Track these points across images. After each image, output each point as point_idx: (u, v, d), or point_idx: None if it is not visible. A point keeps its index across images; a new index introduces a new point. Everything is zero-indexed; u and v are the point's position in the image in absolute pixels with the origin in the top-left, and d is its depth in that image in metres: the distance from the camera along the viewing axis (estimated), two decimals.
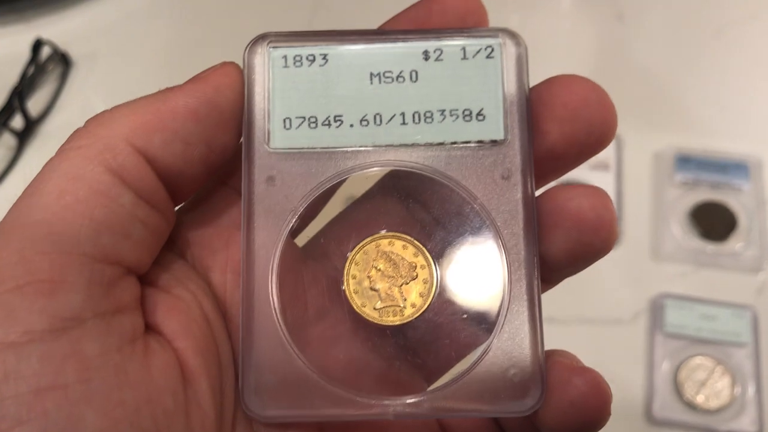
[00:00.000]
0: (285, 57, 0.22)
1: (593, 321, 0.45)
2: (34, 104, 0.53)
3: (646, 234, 0.47)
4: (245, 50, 0.22)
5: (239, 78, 0.21)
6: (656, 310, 0.44)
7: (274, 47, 0.22)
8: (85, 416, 0.17)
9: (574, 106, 0.20)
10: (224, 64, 0.21)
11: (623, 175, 0.49)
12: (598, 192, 0.20)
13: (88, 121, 0.19)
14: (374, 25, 0.23)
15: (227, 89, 0.20)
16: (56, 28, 0.56)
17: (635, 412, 0.43)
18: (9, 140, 0.51)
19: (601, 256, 0.21)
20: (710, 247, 0.46)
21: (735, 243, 0.46)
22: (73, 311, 0.17)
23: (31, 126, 0.52)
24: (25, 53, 0.53)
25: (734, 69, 0.54)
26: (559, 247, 0.20)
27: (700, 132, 0.51)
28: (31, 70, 0.52)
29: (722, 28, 0.55)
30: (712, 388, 0.42)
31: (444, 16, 0.22)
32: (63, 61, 0.54)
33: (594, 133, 0.20)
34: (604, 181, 0.48)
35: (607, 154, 0.48)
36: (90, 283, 0.18)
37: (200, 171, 0.20)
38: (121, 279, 0.19)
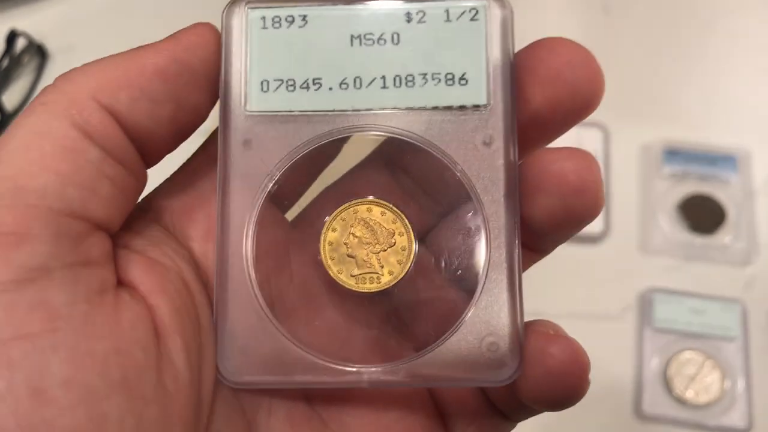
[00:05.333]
0: (263, 18, 0.21)
1: (581, 316, 0.45)
2: (9, 97, 0.52)
3: (633, 227, 0.47)
4: (223, 11, 0.21)
5: (213, 38, 0.20)
6: (645, 304, 0.44)
7: (252, 8, 0.21)
8: (52, 365, 0.16)
9: (557, 68, 0.20)
10: (198, 24, 0.20)
11: (611, 167, 0.48)
12: (582, 154, 0.20)
13: (57, 78, 0.19)
14: None
15: (199, 48, 0.20)
16: (31, 20, 0.55)
17: (624, 407, 0.42)
18: None
19: (588, 221, 0.20)
20: (699, 240, 0.46)
21: (723, 236, 0.46)
22: (40, 261, 0.17)
23: (6, 120, 0.51)
24: None
25: (722, 61, 0.54)
26: (542, 211, 0.20)
27: (687, 124, 0.50)
28: (6, 62, 0.51)
29: (709, 20, 0.55)
30: (701, 382, 0.41)
31: None
32: (39, 53, 0.53)
33: (579, 95, 0.20)
34: None
35: (594, 146, 0.48)
36: (57, 235, 0.17)
37: (170, 131, 0.20)
38: (90, 234, 0.18)
